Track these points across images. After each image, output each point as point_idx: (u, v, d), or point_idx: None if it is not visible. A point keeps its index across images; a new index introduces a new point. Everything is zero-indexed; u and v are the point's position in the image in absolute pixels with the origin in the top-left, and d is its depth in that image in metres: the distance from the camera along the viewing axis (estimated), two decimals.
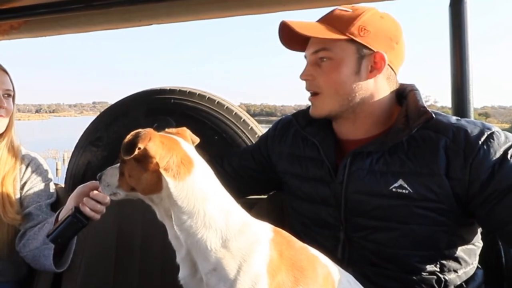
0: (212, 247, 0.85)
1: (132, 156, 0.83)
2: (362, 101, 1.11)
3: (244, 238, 0.86)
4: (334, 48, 1.09)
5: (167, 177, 0.86)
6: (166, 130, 0.99)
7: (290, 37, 1.15)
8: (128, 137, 0.85)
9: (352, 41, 1.08)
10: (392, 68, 1.13)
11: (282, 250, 0.88)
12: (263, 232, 0.89)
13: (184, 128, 1.00)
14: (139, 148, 0.83)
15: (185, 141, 0.95)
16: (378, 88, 1.12)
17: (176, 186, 0.86)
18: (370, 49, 1.08)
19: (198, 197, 0.87)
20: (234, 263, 0.83)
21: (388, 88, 1.13)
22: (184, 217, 0.86)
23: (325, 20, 1.13)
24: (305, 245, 0.94)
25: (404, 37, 1.14)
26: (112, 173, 0.97)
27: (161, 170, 0.86)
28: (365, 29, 1.08)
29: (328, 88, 1.11)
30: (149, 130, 0.85)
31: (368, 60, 1.09)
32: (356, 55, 1.09)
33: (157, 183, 0.87)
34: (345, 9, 1.12)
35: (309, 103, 1.20)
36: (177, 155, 0.87)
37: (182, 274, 0.90)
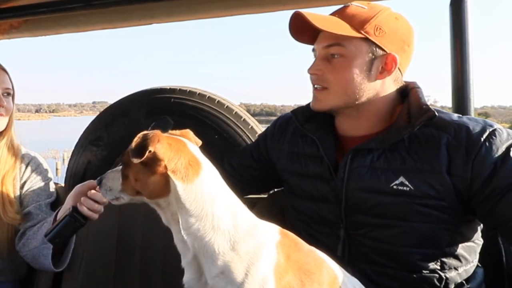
0: (220, 250, 0.84)
1: (142, 159, 0.81)
2: (367, 101, 1.10)
3: (252, 240, 0.85)
4: (348, 45, 1.07)
5: (176, 180, 0.84)
6: (170, 132, 0.97)
7: (301, 29, 1.13)
8: (136, 140, 0.83)
9: (366, 40, 1.06)
10: (400, 70, 1.12)
11: (289, 253, 0.87)
12: (271, 235, 0.89)
13: (188, 130, 0.99)
14: (150, 151, 0.81)
15: (190, 142, 0.93)
16: (384, 88, 1.11)
17: (185, 188, 0.84)
18: (383, 49, 1.07)
19: (206, 199, 0.85)
20: (242, 266, 0.83)
21: (394, 88, 1.13)
22: (192, 220, 0.85)
23: (341, 15, 1.10)
24: (313, 248, 0.94)
25: (415, 40, 1.12)
26: (114, 177, 0.95)
27: (169, 173, 0.84)
28: (380, 29, 1.06)
29: (336, 85, 1.10)
30: (157, 132, 0.83)
31: (380, 60, 1.08)
32: (369, 54, 1.07)
33: (164, 186, 0.85)
34: (361, 5, 1.10)
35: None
36: (185, 157, 0.86)
37: (187, 278, 0.89)
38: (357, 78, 1.08)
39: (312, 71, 1.13)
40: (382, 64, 1.08)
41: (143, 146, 0.81)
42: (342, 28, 1.06)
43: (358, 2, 1.12)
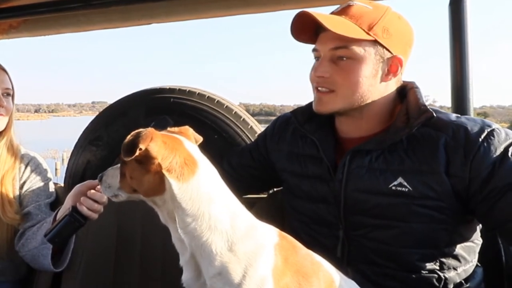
0: (218, 250, 0.83)
1: (133, 157, 0.81)
2: (372, 102, 1.10)
3: (250, 242, 0.84)
4: (357, 47, 1.04)
5: (170, 179, 0.83)
6: (169, 129, 0.96)
7: (302, 27, 1.11)
8: (129, 137, 0.82)
9: (374, 42, 1.05)
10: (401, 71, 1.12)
11: (287, 256, 0.86)
12: (269, 236, 0.88)
13: (187, 127, 0.97)
14: (140, 149, 0.80)
15: (188, 140, 0.92)
16: (388, 90, 1.11)
17: (180, 187, 0.83)
18: (390, 51, 1.06)
19: (202, 199, 0.84)
20: (239, 267, 0.82)
21: (395, 89, 1.13)
22: (189, 220, 0.84)
23: (348, 15, 1.07)
24: (310, 251, 0.93)
25: (414, 40, 1.12)
26: (113, 174, 0.94)
27: (164, 171, 0.83)
28: (388, 30, 1.05)
29: (345, 87, 1.07)
30: (151, 130, 0.83)
31: (386, 63, 1.07)
32: (377, 57, 1.06)
33: (159, 185, 0.84)
34: (365, 5, 1.08)
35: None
36: (180, 156, 0.85)
37: (185, 277, 0.89)
38: (365, 81, 1.06)
39: (319, 73, 1.09)
40: (388, 66, 1.07)
41: (134, 143, 0.80)
42: (353, 31, 1.04)
43: (359, 1, 1.10)
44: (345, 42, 1.05)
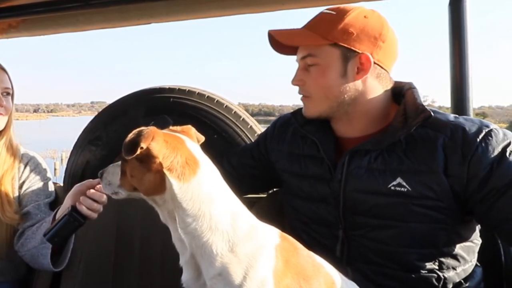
0: (218, 251, 0.82)
1: (134, 155, 0.81)
2: (354, 102, 1.11)
3: (251, 243, 0.84)
4: (319, 53, 1.10)
5: (171, 178, 0.83)
6: (171, 128, 0.96)
7: (280, 44, 1.17)
8: (130, 135, 0.82)
9: (336, 44, 1.09)
10: (382, 67, 1.12)
11: (288, 257, 0.86)
12: (270, 237, 0.88)
13: (189, 126, 0.97)
14: (142, 148, 0.80)
15: (191, 139, 0.92)
16: (369, 88, 1.11)
17: (181, 187, 0.83)
18: (355, 51, 1.08)
19: (203, 199, 0.84)
20: (240, 268, 0.81)
21: (380, 87, 1.13)
22: (189, 220, 0.84)
23: (309, 26, 1.14)
24: (311, 252, 0.93)
25: (393, 34, 1.13)
26: (113, 172, 0.94)
27: (165, 171, 0.82)
28: (348, 31, 1.08)
29: (317, 92, 1.13)
30: (152, 129, 0.82)
31: (353, 62, 1.09)
32: (341, 58, 1.09)
33: (160, 184, 0.84)
34: (329, 11, 1.13)
35: None
36: (181, 155, 0.84)
37: (185, 277, 0.88)
38: (334, 83, 1.10)
39: (294, 82, 1.17)
40: (358, 64, 1.09)
41: (135, 142, 0.80)
42: (309, 39, 1.11)
43: (328, 8, 1.14)
44: (308, 51, 1.12)
